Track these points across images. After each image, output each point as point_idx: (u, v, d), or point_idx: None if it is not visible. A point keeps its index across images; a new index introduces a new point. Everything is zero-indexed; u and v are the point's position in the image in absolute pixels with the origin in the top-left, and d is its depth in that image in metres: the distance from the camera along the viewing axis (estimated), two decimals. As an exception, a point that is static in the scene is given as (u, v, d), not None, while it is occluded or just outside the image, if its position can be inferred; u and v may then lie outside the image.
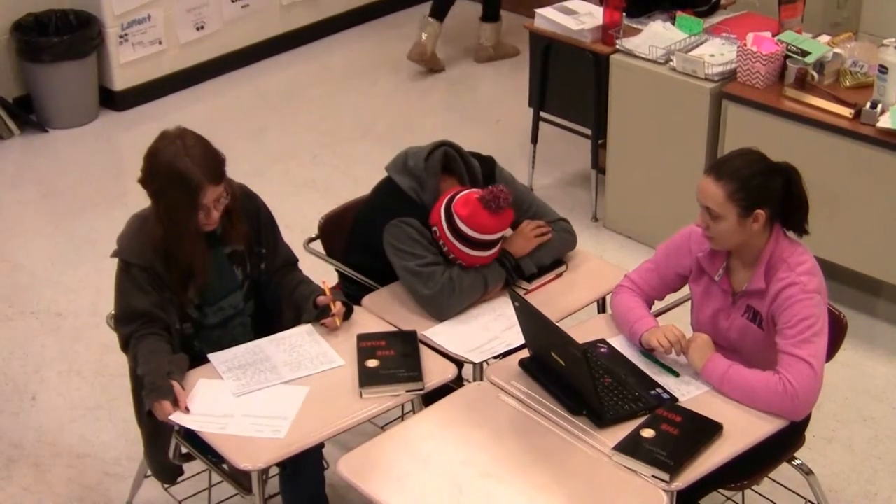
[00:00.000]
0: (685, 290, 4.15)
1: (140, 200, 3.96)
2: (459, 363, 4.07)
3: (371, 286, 4.43)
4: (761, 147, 3.84)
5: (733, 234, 3.77)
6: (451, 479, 3.54)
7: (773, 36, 5.55)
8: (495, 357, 4.10)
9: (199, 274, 3.96)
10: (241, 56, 8.18)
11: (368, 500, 3.54)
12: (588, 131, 6.32)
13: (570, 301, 4.35)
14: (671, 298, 4.27)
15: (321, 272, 4.36)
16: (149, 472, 4.31)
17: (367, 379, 3.89)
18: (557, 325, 3.85)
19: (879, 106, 5.16)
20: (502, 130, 7.36)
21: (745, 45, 5.49)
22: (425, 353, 4.05)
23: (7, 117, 7.33)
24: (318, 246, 4.70)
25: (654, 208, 6.03)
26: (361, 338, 4.07)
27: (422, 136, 4.82)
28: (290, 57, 8.39)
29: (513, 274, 4.36)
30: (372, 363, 3.94)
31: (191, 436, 3.89)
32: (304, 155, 7.18)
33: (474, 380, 4.08)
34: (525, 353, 4.01)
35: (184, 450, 4.05)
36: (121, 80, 7.62)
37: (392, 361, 3.95)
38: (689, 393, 3.82)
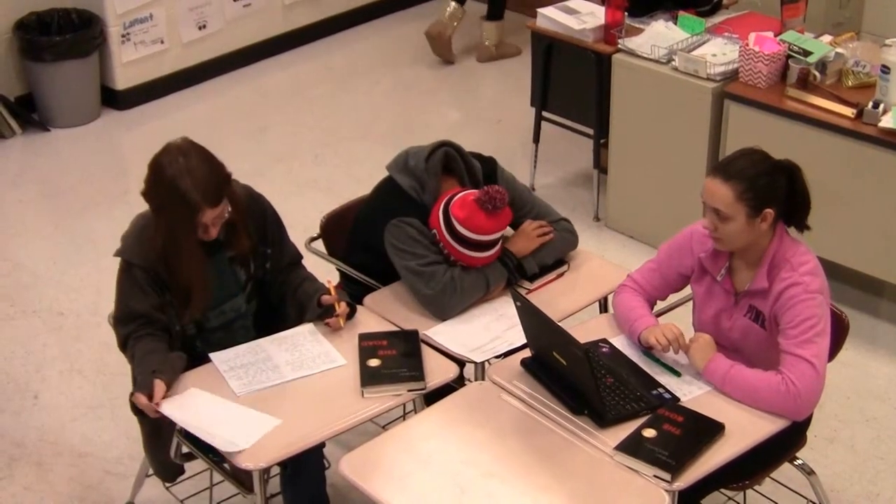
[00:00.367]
0: (687, 290, 4.15)
1: (141, 199, 3.95)
2: (461, 363, 4.07)
3: (373, 286, 4.43)
4: (763, 147, 3.84)
5: (742, 235, 3.76)
6: (453, 478, 3.54)
7: (776, 36, 5.54)
8: (497, 357, 4.10)
9: (197, 295, 3.97)
10: (243, 55, 8.18)
11: (370, 500, 3.53)
12: (590, 131, 6.32)
13: (571, 301, 4.35)
14: (673, 298, 4.26)
15: (323, 272, 4.36)
16: (150, 472, 4.32)
17: (369, 378, 3.89)
18: (559, 324, 3.85)
19: (881, 106, 5.16)
20: (504, 130, 7.36)
21: (747, 44, 5.48)
22: (427, 352, 4.04)
23: (9, 116, 7.33)
24: (319, 245, 4.69)
25: (655, 208, 6.02)
26: (363, 337, 4.07)
27: (423, 136, 4.82)
28: (292, 56, 8.39)
29: (514, 273, 4.35)
30: (374, 362, 3.94)
31: (192, 435, 3.87)
32: (305, 154, 7.18)
33: (476, 379, 4.08)
34: (527, 353, 4.01)
35: (185, 449, 4.04)
36: (123, 80, 7.62)
37: (394, 361, 3.95)
38: (690, 393, 3.82)
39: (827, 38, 5.58)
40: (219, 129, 7.45)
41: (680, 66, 5.70)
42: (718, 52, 5.71)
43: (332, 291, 4.13)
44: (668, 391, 3.81)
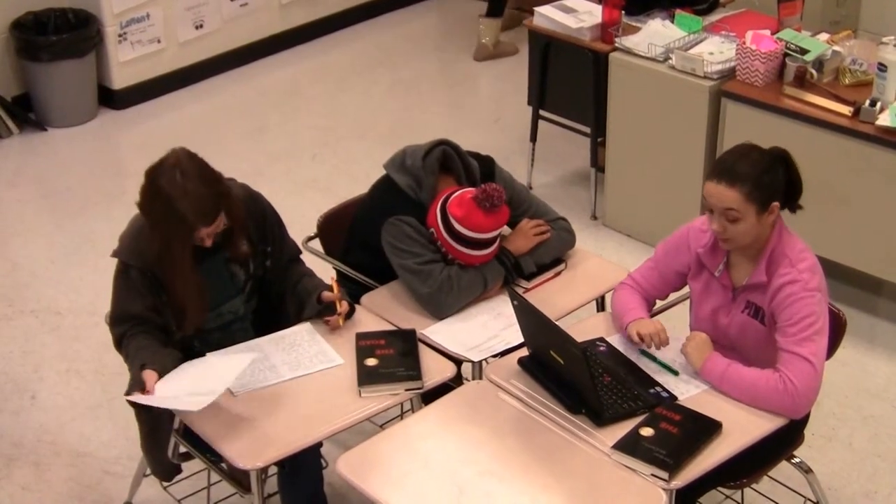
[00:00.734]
0: (684, 289, 4.14)
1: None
2: (458, 362, 4.06)
3: (370, 285, 4.42)
4: (760, 146, 3.84)
5: (751, 232, 3.75)
6: (451, 477, 3.53)
7: (773, 34, 5.54)
8: (494, 356, 4.09)
9: (192, 311, 3.96)
10: (241, 54, 8.17)
11: (368, 500, 3.53)
12: (587, 130, 6.31)
13: (569, 299, 4.34)
14: (672, 297, 4.25)
15: (320, 271, 4.35)
16: (148, 471, 4.31)
17: (366, 377, 3.88)
18: (556, 323, 3.84)
19: (878, 104, 5.16)
20: (501, 129, 7.35)
21: (744, 43, 5.48)
22: (424, 351, 4.04)
23: (6, 116, 7.33)
24: (316, 244, 4.69)
25: (653, 207, 6.02)
26: (360, 336, 4.07)
27: (421, 135, 4.82)
28: (290, 55, 8.38)
29: (512, 272, 4.35)
30: (371, 362, 3.93)
31: (190, 435, 3.89)
32: (303, 154, 7.18)
33: (473, 378, 4.07)
34: (524, 352, 4.00)
35: (182, 448, 4.05)
36: (120, 79, 7.62)
37: (391, 360, 3.95)
38: (688, 391, 3.81)
39: (824, 37, 5.58)
40: (216, 129, 7.46)
41: (677, 64, 5.69)
42: (715, 51, 5.70)
43: (335, 288, 4.12)
44: (665, 390, 3.81)
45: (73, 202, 6.74)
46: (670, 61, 5.74)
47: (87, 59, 7.37)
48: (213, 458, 3.95)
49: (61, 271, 6.11)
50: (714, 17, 6.09)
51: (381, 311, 4.26)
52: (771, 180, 3.72)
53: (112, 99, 7.64)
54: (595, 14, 6.14)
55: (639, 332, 3.92)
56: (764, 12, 6.08)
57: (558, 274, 4.47)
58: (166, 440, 4.04)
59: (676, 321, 4.19)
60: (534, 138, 6.61)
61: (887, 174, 5.17)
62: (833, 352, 4.02)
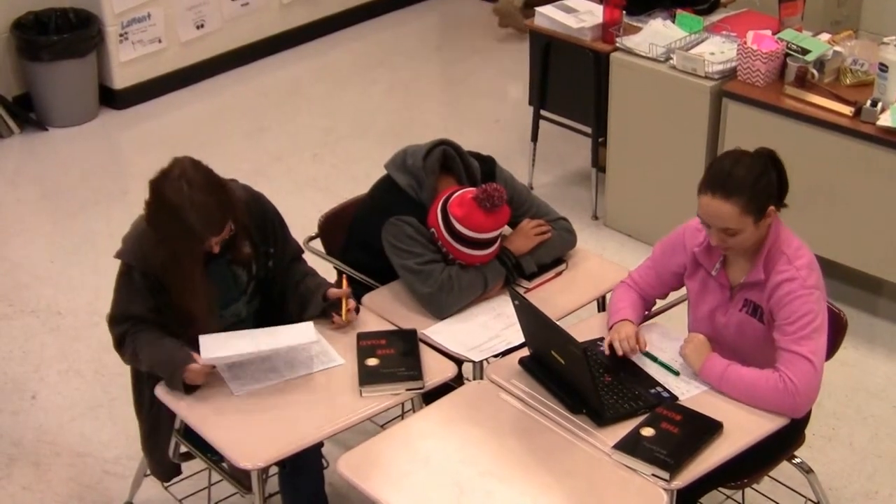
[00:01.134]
0: (682, 290, 4.13)
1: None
2: (459, 362, 4.06)
3: (371, 285, 4.42)
4: (761, 146, 3.82)
5: (750, 239, 3.74)
6: (451, 477, 3.53)
7: (774, 34, 5.54)
8: (495, 356, 4.09)
9: (201, 320, 3.95)
10: (241, 54, 8.17)
11: (368, 499, 3.53)
12: (588, 130, 6.30)
13: (569, 299, 4.35)
14: (672, 297, 4.25)
15: (321, 271, 4.34)
16: (148, 471, 4.31)
17: (367, 377, 3.88)
18: (557, 323, 3.84)
19: (880, 104, 5.15)
20: (502, 129, 7.35)
21: (745, 43, 5.48)
22: (425, 351, 4.04)
23: (7, 116, 7.33)
24: (317, 244, 4.69)
25: (654, 207, 6.02)
26: (361, 336, 4.07)
27: (422, 135, 4.83)
28: (290, 55, 8.38)
29: (513, 272, 4.35)
30: (372, 362, 3.94)
31: (191, 434, 3.89)
32: (304, 153, 7.17)
33: (474, 378, 4.07)
34: (525, 352, 4.00)
35: (183, 448, 4.05)
36: (121, 79, 7.62)
37: (392, 360, 3.95)
38: (688, 391, 3.81)
39: (825, 37, 5.57)
40: (217, 129, 7.45)
41: (678, 64, 5.69)
42: (716, 51, 5.70)
43: (345, 284, 4.13)
44: (666, 390, 3.81)
45: (73, 202, 6.73)
46: (671, 61, 5.73)
47: (87, 59, 7.36)
48: (214, 457, 3.95)
49: (61, 271, 6.10)
50: (715, 17, 6.09)
51: (381, 311, 4.25)
52: (765, 185, 3.69)
53: (113, 99, 7.64)
54: (596, 14, 6.13)
55: (610, 341, 3.92)
56: (765, 12, 6.08)
57: (559, 274, 4.47)
58: (166, 440, 4.05)
59: (676, 321, 4.18)
60: (535, 138, 6.60)
61: (888, 174, 5.16)
62: (834, 352, 4.01)
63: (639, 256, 4.31)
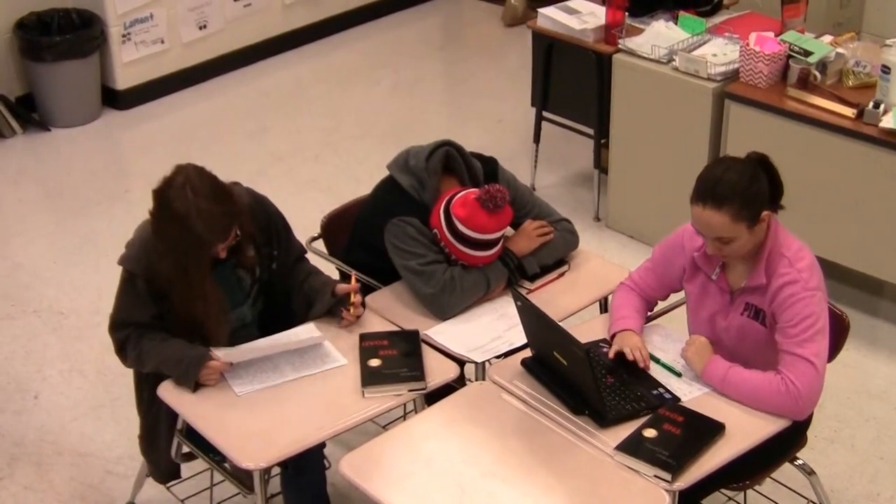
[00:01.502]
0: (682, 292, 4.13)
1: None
2: (462, 363, 4.06)
3: (373, 286, 4.42)
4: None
5: (747, 245, 3.73)
6: (454, 478, 3.53)
7: (776, 36, 5.53)
8: (497, 357, 4.09)
9: (212, 329, 3.94)
10: (244, 55, 8.17)
11: (370, 500, 3.53)
12: (590, 131, 6.31)
13: (572, 301, 4.34)
14: (673, 298, 4.24)
15: (323, 271, 4.34)
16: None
17: (370, 378, 3.88)
18: (560, 324, 3.83)
19: (882, 106, 5.15)
20: (504, 130, 7.35)
21: (747, 44, 5.47)
22: (427, 352, 4.04)
23: (9, 116, 7.33)
24: (319, 245, 4.69)
25: (656, 208, 6.01)
26: (364, 337, 4.07)
27: (424, 136, 4.83)
28: (293, 56, 8.38)
29: (515, 273, 4.34)
30: (374, 362, 3.93)
31: (193, 434, 3.88)
32: (306, 154, 7.17)
33: (476, 379, 4.07)
34: (527, 353, 3.99)
35: (185, 449, 4.05)
36: (123, 80, 7.62)
37: (394, 361, 3.95)
38: (691, 393, 3.81)
39: (827, 38, 5.57)
40: (219, 129, 7.45)
41: (680, 66, 5.69)
42: (719, 53, 5.70)
43: (354, 280, 4.14)
44: (668, 391, 3.80)
45: (75, 202, 6.73)
46: (674, 63, 5.73)
47: (90, 60, 7.36)
48: (217, 458, 3.94)
49: (63, 271, 6.10)
50: (717, 19, 6.08)
51: (384, 311, 4.25)
52: (756, 191, 3.67)
53: (115, 99, 7.64)
54: (598, 15, 6.13)
55: (620, 350, 3.90)
56: (767, 14, 6.08)
57: (562, 275, 4.46)
58: (165, 442, 4.06)
59: (678, 323, 4.17)
60: (537, 139, 6.60)
61: (891, 176, 5.16)
62: (835, 354, 4.01)
63: (641, 258, 4.30)
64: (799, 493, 4.46)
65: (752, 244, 3.74)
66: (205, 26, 7.88)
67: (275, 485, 4.25)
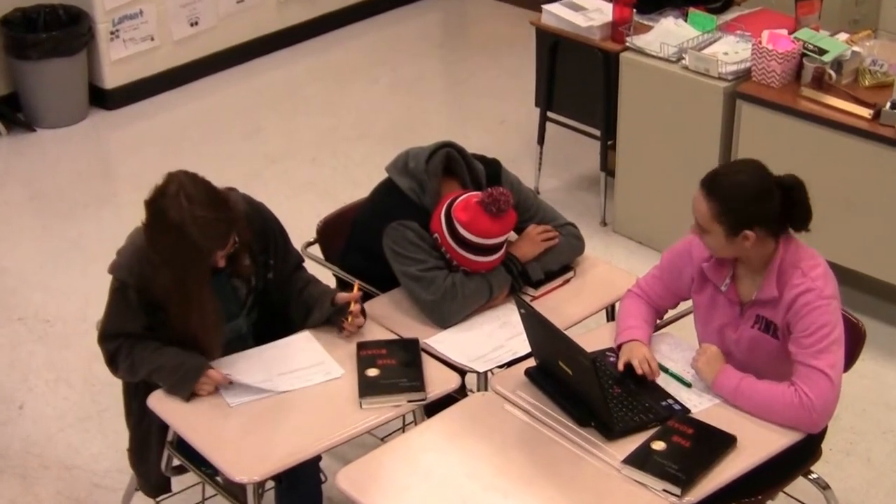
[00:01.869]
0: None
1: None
2: (463, 372, 4.03)
3: (371, 292, 4.39)
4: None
5: (724, 249, 3.74)
6: (455, 492, 3.51)
7: (790, 33, 5.54)
8: (500, 366, 4.07)
9: (208, 341, 3.91)
10: (237, 53, 8.20)
11: (368, 515, 3.51)
12: (597, 132, 6.33)
13: (577, 308, 4.33)
14: (682, 307, 4.20)
15: (319, 277, 4.34)
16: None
17: (367, 389, 3.86)
18: (565, 332, 3.81)
19: (899, 106, 5.19)
20: (507, 131, 7.36)
21: (759, 42, 5.47)
22: (427, 361, 4.01)
23: (-6, 116, 7.39)
24: (315, 250, 4.68)
25: (664, 212, 6.00)
26: (361, 346, 4.06)
27: (423, 137, 4.83)
28: (288, 54, 8.42)
29: (519, 279, 4.33)
30: (372, 372, 3.91)
31: (184, 447, 3.86)
32: (302, 156, 7.19)
33: (478, 390, 4.06)
34: (531, 362, 3.97)
35: (176, 462, 4.05)
36: (112, 78, 7.63)
37: (393, 370, 3.92)
38: (701, 404, 3.78)
39: (843, 36, 5.58)
40: (212, 130, 7.52)
41: (690, 64, 5.68)
42: (730, 51, 5.70)
43: (356, 289, 4.12)
44: (677, 402, 3.78)
45: (62, 205, 6.75)
46: (683, 61, 5.73)
47: (77, 58, 7.36)
48: (209, 471, 3.92)
49: (49, 276, 6.10)
50: (729, 16, 6.09)
51: (382, 319, 4.24)
52: (750, 210, 3.66)
53: (103, 99, 7.66)
54: (605, 12, 6.14)
55: (628, 362, 3.88)
56: (781, 11, 6.07)
57: (567, 281, 4.45)
58: (155, 454, 4.04)
59: (688, 332, 4.15)
60: (541, 141, 6.61)
61: (908, 179, 5.18)
62: (851, 364, 4.00)
63: (649, 264, 4.36)
64: (814, 509, 4.45)
65: (734, 253, 3.74)
66: (196, 23, 7.90)
67: (269, 499, 4.20)
